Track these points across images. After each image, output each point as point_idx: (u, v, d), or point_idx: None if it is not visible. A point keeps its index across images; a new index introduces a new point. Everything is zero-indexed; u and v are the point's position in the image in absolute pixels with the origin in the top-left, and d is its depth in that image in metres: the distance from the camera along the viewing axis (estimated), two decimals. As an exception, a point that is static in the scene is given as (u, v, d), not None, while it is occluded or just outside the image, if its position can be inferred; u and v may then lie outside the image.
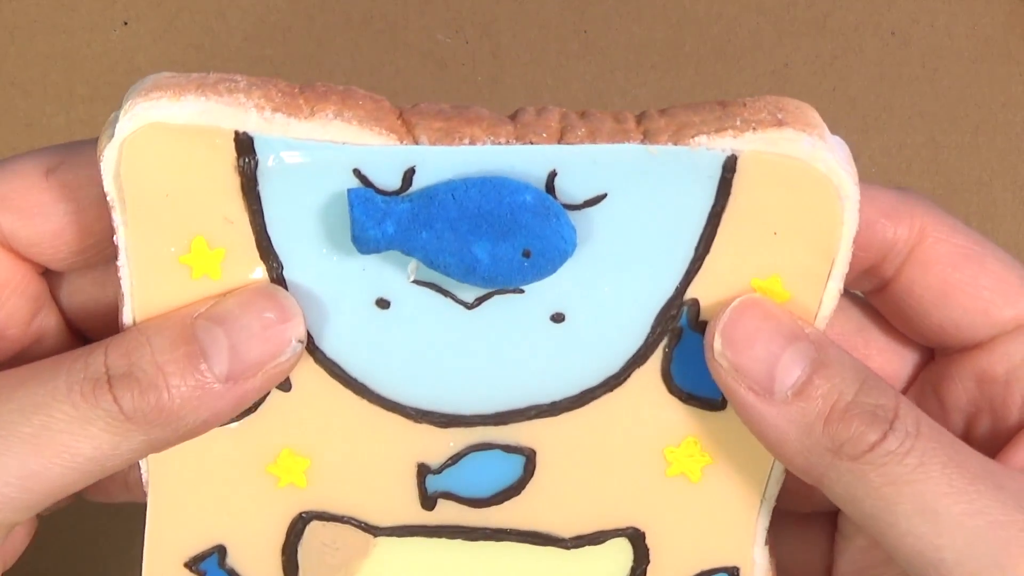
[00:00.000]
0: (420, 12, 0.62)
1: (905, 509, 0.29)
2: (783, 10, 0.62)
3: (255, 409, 0.33)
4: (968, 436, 0.34)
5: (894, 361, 0.36)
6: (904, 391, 0.36)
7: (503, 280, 0.31)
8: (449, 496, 0.34)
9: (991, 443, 0.33)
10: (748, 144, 0.30)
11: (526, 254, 0.30)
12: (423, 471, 0.33)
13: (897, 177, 0.60)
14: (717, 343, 0.31)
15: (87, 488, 0.37)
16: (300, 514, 0.34)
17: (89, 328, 0.35)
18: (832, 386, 0.30)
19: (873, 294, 0.35)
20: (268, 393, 0.33)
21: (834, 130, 0.32)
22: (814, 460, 0.30)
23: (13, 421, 0.30)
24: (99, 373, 0.30)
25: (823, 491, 0.31)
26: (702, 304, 0.32)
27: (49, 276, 0.35)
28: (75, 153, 0.32)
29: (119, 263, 0.31)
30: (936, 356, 0.36)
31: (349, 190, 0.30)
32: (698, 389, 0.33)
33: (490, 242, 0.30)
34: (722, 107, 0.31)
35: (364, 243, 0.30)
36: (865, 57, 0.62)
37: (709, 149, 0.30)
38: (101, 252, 0.33)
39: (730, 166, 0.30)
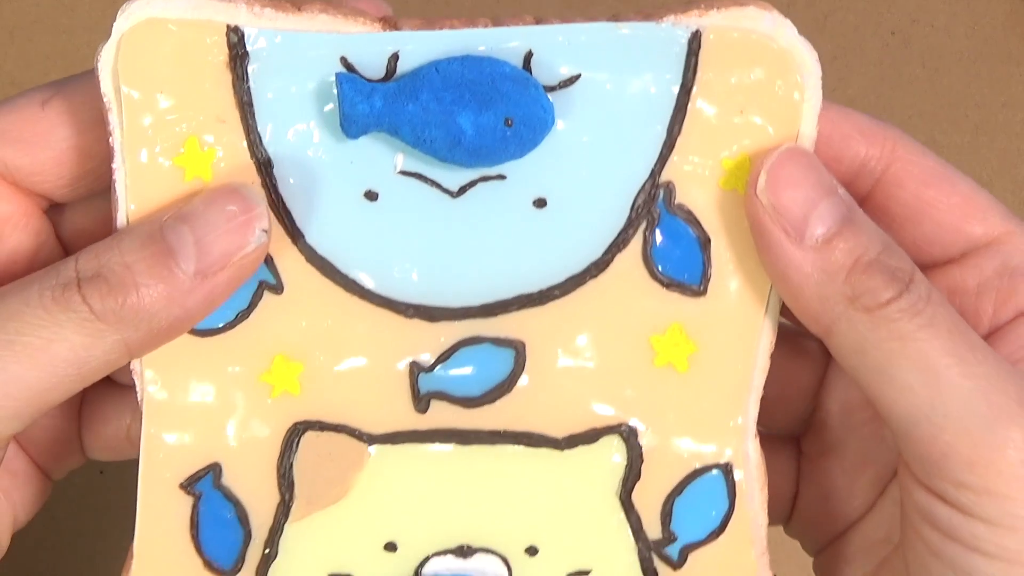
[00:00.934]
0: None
1: (908, 364, 0.31)
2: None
3: (248, 315, 0.33)
4: None
5: None
6: None
7: (487, 153, 0.32)
8: (441, 396, 0.34)
9: None
10: (713, 21, 0.32)
11: (508, 123, 0.31)
12: (415, 370, 0.34)
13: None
14: (761, 180, 0.31)
15: (92, 445, 0.38)
16: (294, 424, 0.34)
17: None
18: (859, 242, 0.31)
19: None
20: (261, 297, 0.33)
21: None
22: (828, 308, 0.31)
23: None
24: (69, 278, 0.31)
25: (829, 342, 0.32)
26: (676, 187, 0.33)
27: (52, 215, 0.36)
28: (68, 84, 0.34)
29: (114, 166, 0.32)
30: None
31: (337, 73, 0.32)
32: (679, 274, 0.33)
33: (473, 112, 0.31)
34: (688, 2, 0.33)
35: (353, 121, 0.31)
36: (865, 57, 0.62)
37: (675, 25, 0.32)
38: (101, 178, 0.33)
39: (696, 42, 0.32)
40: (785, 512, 0.38)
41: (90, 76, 0.32)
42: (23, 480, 0.37)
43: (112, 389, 0.38)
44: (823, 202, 0.31)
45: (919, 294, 0.31)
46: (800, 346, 0.38)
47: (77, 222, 0.36)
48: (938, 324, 0.31)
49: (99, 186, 0.34)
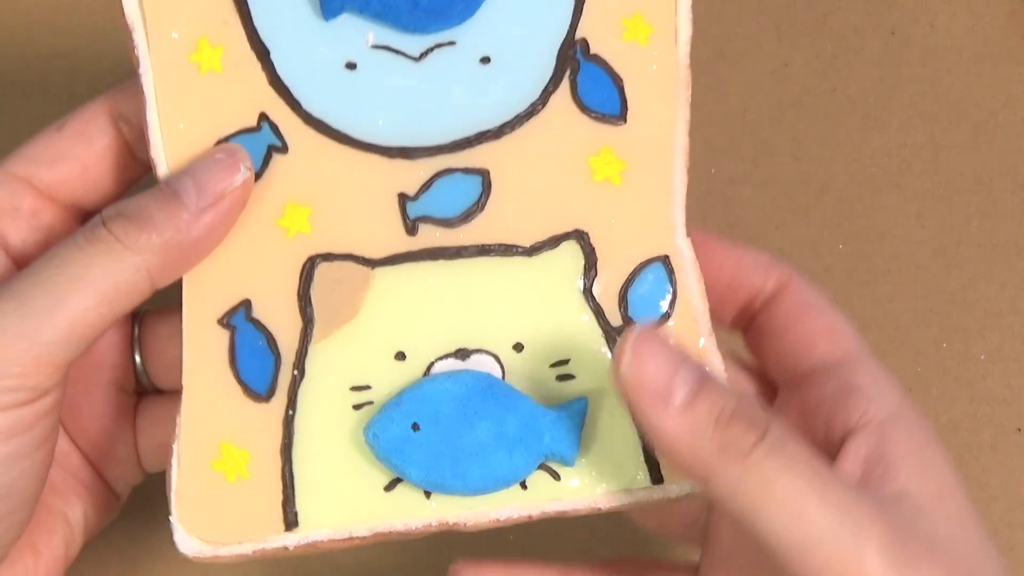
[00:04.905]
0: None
1: (776, 504, 0.35)
2: (783, 10, 0.62)
3: (261, 175, 0.42)
4: None
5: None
6: None
7: (440, 12, 0.41)
8: (427, 219, 0.42)
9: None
10: None
11: None
12: (403, 200, 0.42)
13: (897, 177, 0.60)
14: (627, 357, 0.36)
15: (149, 454, 0.46)
16: (309, 257, 0.42)
17: None
18: (717, 398, 0.36)
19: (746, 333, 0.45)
20: (270, 158, 0.42)
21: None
22: (703, 460, 0.36)
23: (38, 270, 0.38)
24: (96, 222, 0.38)
25: (708, 489, 0.36)
26: (590, 41, 0.42)
27: None
28: (76, 111, 0.43)
29: (140, 71, 0.41)
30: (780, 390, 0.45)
31: None
32: (603, 107, 0.42)
33: None
34: None
35: (329, 4, 0.40)
36: (865, 57, 0.63)
37: None
38: (120, 180, 0.42)
39: None
40: None
41: (90, 103, 0.42)
42: (91, 489, 0.44)
43: (164, 397, 0.46)
44: (680, 369, 0.36)
45: (776, 436, 0.35)
46: None
47: None
48: (795, 463, 0.35)
49: (119, 190, 0.42)
